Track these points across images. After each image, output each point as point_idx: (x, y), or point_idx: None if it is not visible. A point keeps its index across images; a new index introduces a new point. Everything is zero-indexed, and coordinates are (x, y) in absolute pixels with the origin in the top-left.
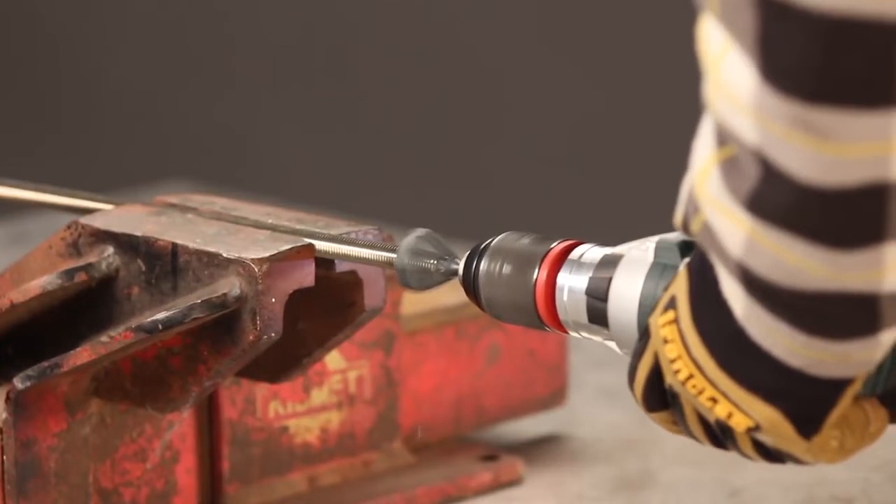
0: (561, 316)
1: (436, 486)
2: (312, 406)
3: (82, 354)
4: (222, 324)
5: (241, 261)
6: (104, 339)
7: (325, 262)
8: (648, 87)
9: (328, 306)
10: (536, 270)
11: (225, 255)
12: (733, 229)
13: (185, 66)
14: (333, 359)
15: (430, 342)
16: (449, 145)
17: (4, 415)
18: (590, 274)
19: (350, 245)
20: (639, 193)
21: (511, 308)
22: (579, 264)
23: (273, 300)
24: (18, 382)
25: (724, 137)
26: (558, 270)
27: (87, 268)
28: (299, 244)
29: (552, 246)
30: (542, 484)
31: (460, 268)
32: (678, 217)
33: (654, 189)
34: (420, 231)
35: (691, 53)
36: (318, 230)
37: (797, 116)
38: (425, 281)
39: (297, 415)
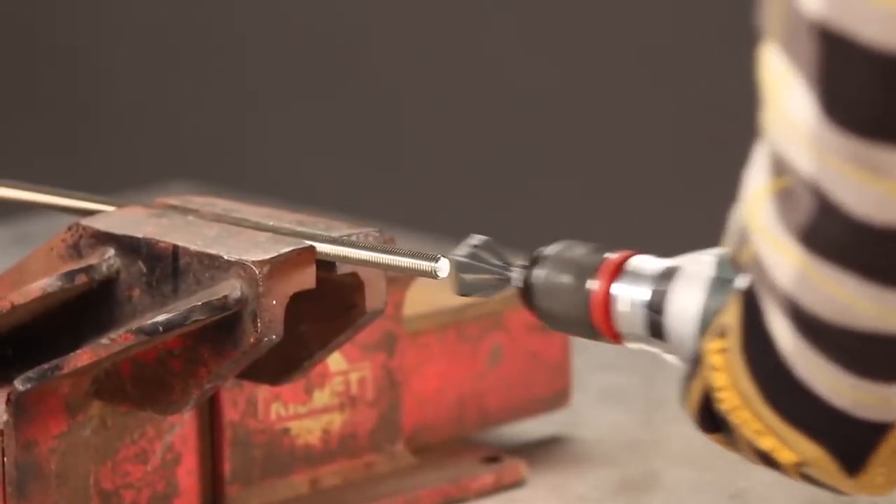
0: (617, 328)
1: (438, 488)
2: (314, 408)
3: (83, 356)
4: (223, 326)
5: (241, 263)
6: (104, 341)
7: (325, 265)
8: (669, 97)
9: (329, 308)
10: (593, 281)
11: (226, 257)
12: (784, 261)
13: (188, 67)
14: (335, 360)
15: (432, 343)
16: (451, 147)
17: (5, 417)
18: (647, 286)
19: (350, 247)
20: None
21: (566, 318)
22: (636, 276)
23: (274, 302)
24: (19, 384)
25: (779, 168)
26: (614, 281)
27: (87, 270)
28: (300, 246)
29: (608, 256)
30: (545, 486)
31: (516, 277)
32: (728, 247)
33: (674, 204)
34: (475, 239)
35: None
36: (319, 232)
37: (855, 152)
38: (481, 290)
39: (299, 416)
